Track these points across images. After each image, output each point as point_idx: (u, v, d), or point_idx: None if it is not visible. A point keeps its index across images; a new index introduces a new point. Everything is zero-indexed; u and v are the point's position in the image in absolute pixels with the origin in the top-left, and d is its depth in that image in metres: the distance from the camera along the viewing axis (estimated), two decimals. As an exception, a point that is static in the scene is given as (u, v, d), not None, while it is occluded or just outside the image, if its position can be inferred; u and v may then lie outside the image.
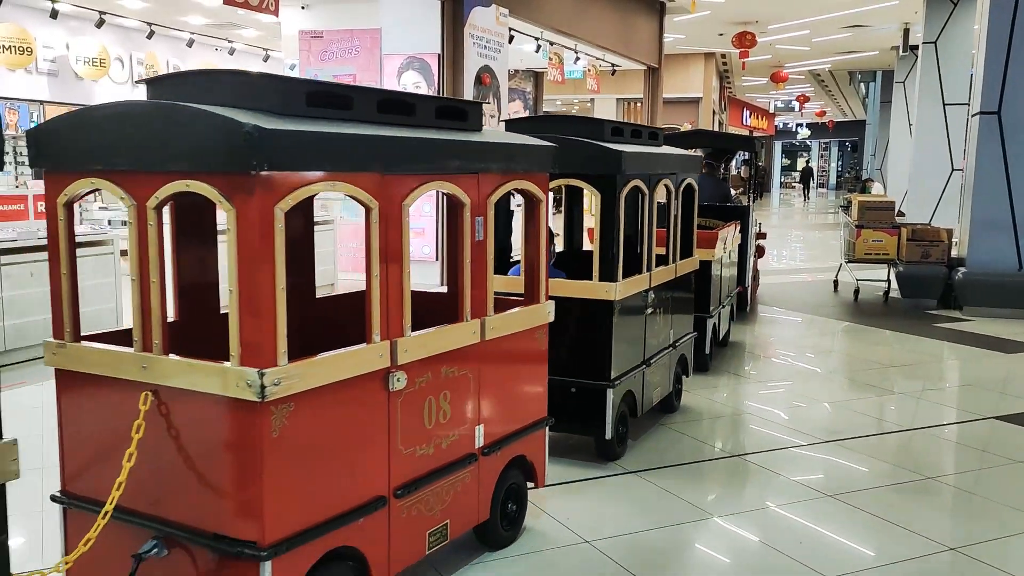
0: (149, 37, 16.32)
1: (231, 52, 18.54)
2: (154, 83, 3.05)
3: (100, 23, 14.75)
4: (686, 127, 22.82)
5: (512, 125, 5.17)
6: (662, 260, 5.36)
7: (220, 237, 3.00)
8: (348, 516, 2.96)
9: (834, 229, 21.65)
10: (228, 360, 2.64)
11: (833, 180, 56.77)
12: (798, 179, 50.82)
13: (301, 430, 2.75)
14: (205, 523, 2.75)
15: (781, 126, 53.56)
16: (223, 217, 2.66)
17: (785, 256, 17.21)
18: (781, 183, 57.02)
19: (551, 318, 4.03)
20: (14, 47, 14.67)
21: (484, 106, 11.20)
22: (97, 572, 2.93)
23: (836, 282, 11.96)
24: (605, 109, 25.23)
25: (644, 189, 4.90)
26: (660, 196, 5.25)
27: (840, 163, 58.35)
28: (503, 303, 3.79)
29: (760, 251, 10.35)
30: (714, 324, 6.74)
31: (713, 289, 6.59)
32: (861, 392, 6.72)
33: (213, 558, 2.75)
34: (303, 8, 11.98)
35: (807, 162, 57.42)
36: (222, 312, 3.52)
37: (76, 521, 3.01)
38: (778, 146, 57.85)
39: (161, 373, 2.78)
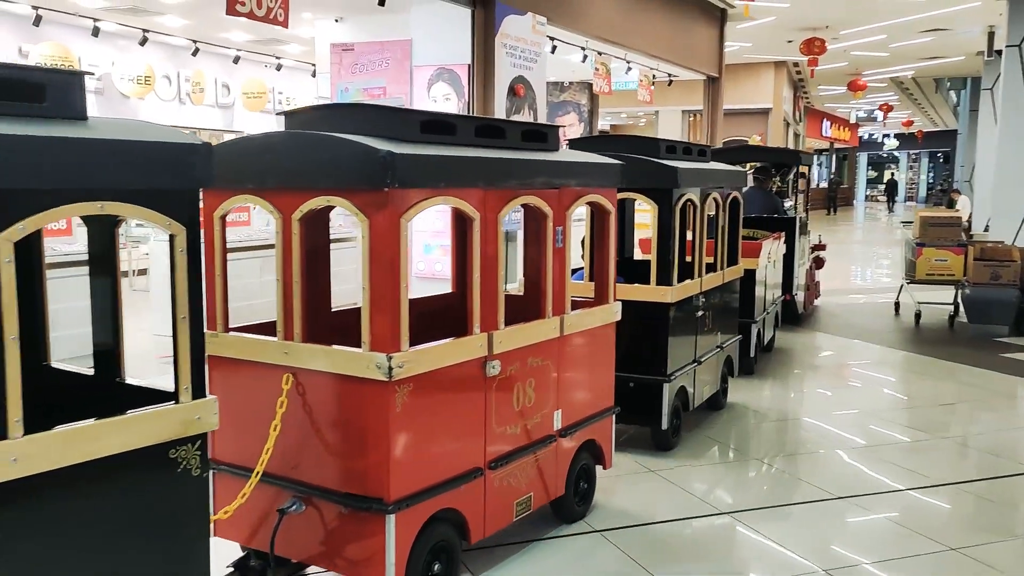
0: (194, 54, 16.40)
1: (278, 68, 18.64)
2: (290, 115, 3.60)
3: (143, 41, 14.80)
4: (755, 140, 21.98)
5: (574, 144, 5.67)
6: (710, 268, 5.82)
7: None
8: (452, 482, 3.47)
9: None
10: (344, 346, 3.16)
11: (923, 193, 53.79)
12: (883, 192, 49.08)
13: (417, 406, 3.27)
14: (338, 484, 3.27)
15: (866, 137, 51.44)
16: (334, 227, 3.19)
17: (848, 274, 16.09)
18: (866, 196, 54.56)
19: (618, 317, 4.52)
20: (56, 66, 15.10)
21: (519, 118, 11.00)
22: (246, 524, 3.45)
23: (897, 304, 10.96)
24: (670, 121, 24.01)
25: (696, 201, 5.39)
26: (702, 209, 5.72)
27: (931, 175, 55.48)
28: (574, 303, 4.28)
29: (819, 262, 10.48)
30: (758, 330, 7.17)
31: (757, 296, 7.02)
32: (907, 432, 6.03)
33: (344, 513, 3.27)
34: (336, 21, 11.79)
35: (892, 174, 55.26)
36: (333, 310, 4.08)
37: (223, 483, 3.53)
38: (863, 158, 55.74)
39: (301, 358, 3.31)
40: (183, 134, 2.43)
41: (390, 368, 3.11)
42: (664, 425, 5.24)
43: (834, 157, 48.21)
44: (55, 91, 2.24)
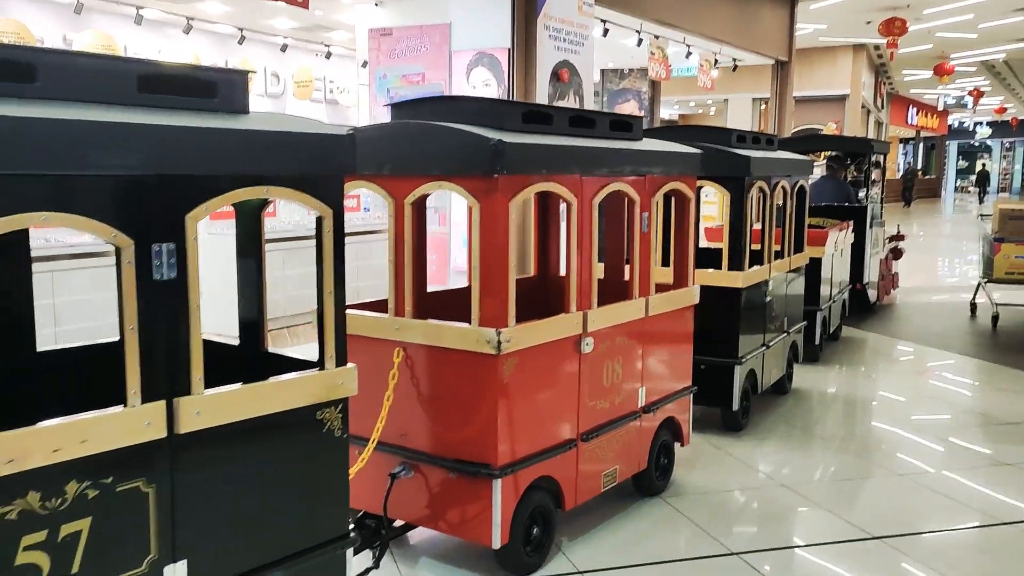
0: (240, 43, 16.13)
1: (328, 56, 18.22)
2: (397, 107, 3.84)
3: (188, 29, 14.69)
4: (830, 128, 20.94)
5: (648, 134, 5.85)
6: (778, 255, 5.97)
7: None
8: (550, 452, 3.69)
9: None
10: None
11: (1017, 183, 51.64)
12: (974, 182, 46.72)
13: (521, 379, 3.49)
14: (446, 450, 3.50)
15: (956, 125, 48.59)
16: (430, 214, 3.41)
17: (926, 270, 14.84)
18: (956, 187, 52.14)
19: (696, 300, 4.70)
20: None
21: (564, 104, 10.59)
22: (361, 488, 3.69)
23: (974, 305, 10.08)
24: (740, 110, 22.62)
25: (766, 189, 5.55)
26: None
27: None
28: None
29: (896, 253, 10.42)
30: (824, 317, 7.30)
31: (823, 284, 7.14)
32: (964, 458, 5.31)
33: (452, 478, 3.50)
34: (376, 5, 11.26)
35: (984, 164, 51.29)
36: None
37: (335, 452, 3.78)
38: (953, 147, 52.75)
39: (412, 333, 3.54)
40: (330, 125, 2.66)
41: (499, 343, 3.33)
42: (735, 406, 5.41)
43: (921, 146, 45.61)
44: (224, 88, 2.48)
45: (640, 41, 13.45)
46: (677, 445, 4.76)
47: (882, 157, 9.91)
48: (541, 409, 3.64)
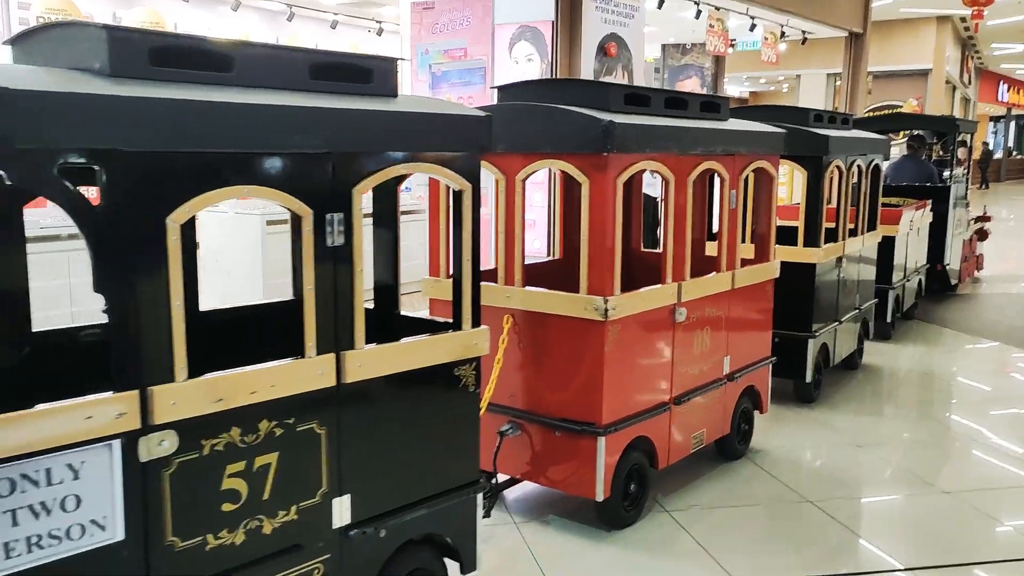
0: (290, 19, 15.79)
1: (379, 33, 17.69)
2: (503, 88, 4.09)
3: (236, 6, 14.47)
4: (911, 105, 19.78)
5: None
6: (851, 233, 6.13)
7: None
8: (646, 413, 3.94)
9: None
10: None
11: None
12: None
13: (623, 345, 3.74)
14: (553, 410, 3.77)
15: None
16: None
17: (1012, 257, 13.56)
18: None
19: (777, 274, 4.91)
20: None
21: (609, 80, 10.15)
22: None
23: None
24: (813, 86, 21.27)
25: (842, 168, 5.71)
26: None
27: None
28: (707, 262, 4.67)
29: (982, 235, 10.39)
30: (896, 296, 7.40)
31: (896, 263, 7.24)
32: None
33: (558, 436, 3.77)
34: None
35: None
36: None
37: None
38: None
39: (521, 300, 3.81)
40: (470, 107, 2.92)
41: (606, 310, 3.58)
42: (808, 378, 5.61)
43: (1012, 124, 42.39)
44: (378, 74, 2.75)
45: (699, 13, 12.78)
46: (756, 413, 4.98)
47: (969, 136, 9.81)
48: (639, 373, 3.89)
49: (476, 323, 3.00)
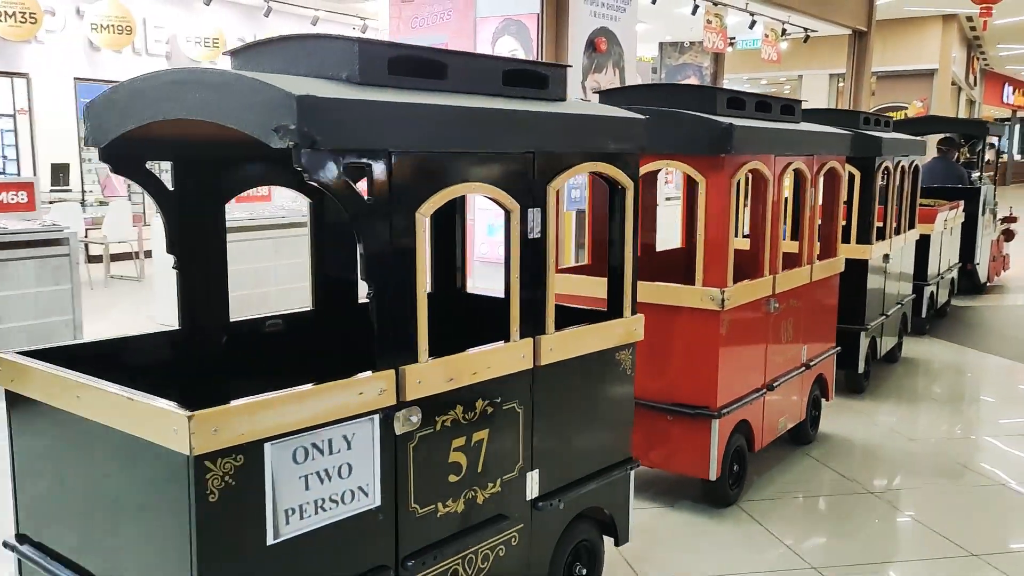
0: (267, 15, 15.10)
1: (364, 31, 16.58)
2: (606, 93, 4.32)
3: (208, 0, 13.80)
4: (916, 106, 19.54)
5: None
6: (896, 231, 6.45)
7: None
8: (747, 398, 4.19)
9: None
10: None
11: None
12: None
13: (732, 333, 3.99)
14: (666, 396, 4.00)
15: None
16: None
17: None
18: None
19: (842, 268, 5.19)
20: (113, 26, 13.33)
21: (601, 77, 9.60)
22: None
23: None
24: (816, 87, 20.74)
25: (890, 168, 6.02)
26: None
27: None
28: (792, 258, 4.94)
29: (1008, 235, 10.73)
30: (931, 292, 7.71)
31: (931, 261, 7.56)
32: None
33: (670, 420, 4.00)
34: None
35: None
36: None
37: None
38: None
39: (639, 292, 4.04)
40: (627, 111, 3.15)
41: (722, 300, 3.83)
42: (860, 369, 5.91)
43: (1017, 127, 41.59)
44: (553, 80, 2.96)
45: (696, 8, 12.33)
46: (823, 400, 5.26)
47: (997, 139, 10.16)
48: (743, 360, 4.14)
49: (633, 311, 3.23)
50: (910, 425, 5.58)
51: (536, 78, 2.91)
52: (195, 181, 2.84)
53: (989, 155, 10.07)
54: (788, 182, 5.36)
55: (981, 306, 9.59)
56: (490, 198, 2.61)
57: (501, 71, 2.79)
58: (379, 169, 2.25)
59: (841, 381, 6.10)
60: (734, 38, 14.90)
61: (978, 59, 26.86)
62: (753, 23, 13.60)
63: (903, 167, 6.36)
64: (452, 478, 2.55)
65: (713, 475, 3.96)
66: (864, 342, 5.87)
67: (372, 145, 2.22)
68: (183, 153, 2.78)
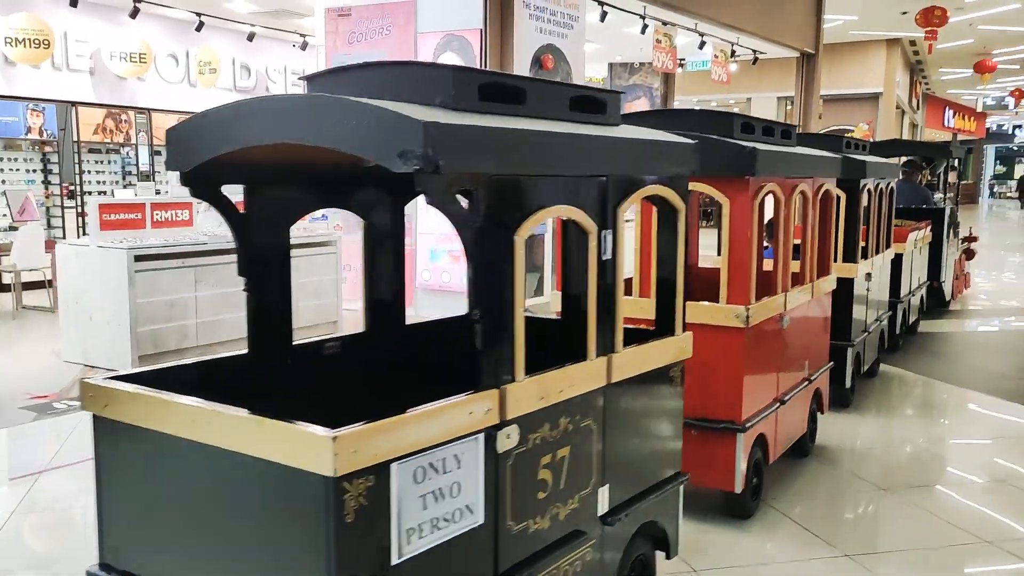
0: (198, 29, 14.32)
1: (303, 47, 16.22)
2: (639, 115, 4.43)
3: (134, 13, 12.96)
4: (862, 129, 19.93)
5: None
6: (876, 251, 6.70)
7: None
8: (765, 411, 4.32)
9: None
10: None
11: None
12: (1015, 188, 45.05)
13: (753, 349, 4.12)
14: (693, 411, 4.08)
15: (994, 128, 46.07)
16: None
17: (984, 290, 12.77)
18: (992, 193, 48.88)
19: (835, 286, 5.40)
20: (30, 40, 12.49)
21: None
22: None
23: None
24: (763, 110, 20.93)
25: (871, 190, 6.28)
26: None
27: None
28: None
29: (969, 254, 11.12)
30: (904, 310, 7.98)
31: (903, 279, 7.85)
32: None
33: (695, 435, 4.10)
34: None
35: None
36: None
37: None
38: (991, 151, 49.84)
39: (659, 311, 4.14)
40: (676, 135, 3.26)
41: (747, 317, 3.96)
42: (847, 384, 6.12)
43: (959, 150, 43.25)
44: (610, 105, 3.06)
45: (644, 28, 12.14)
46: (819, 413, 5.44)
47: (957, 161, 10.65)
48: (760, 375, 4.28)
49: (683, 329, 3.32)
50: (887, 432, 5.81)
51: (596, 103, 3.00)
52: (263, 204, 2.84)
53: (951, 177, 10.48)
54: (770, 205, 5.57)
55: (947, 328, 9.68)
56: (573, 220, 2.68)
57: (568, 97, 2.86)
58: (485, 192, 2.31)
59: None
60: (683, 59, 14.96)
61: (920, 83, 27.67)
62: (702, 44, 13.67)
63: (881, 189, 6.63)
64: (540, 495, 2.60)
65: (739, 488, 4.07)
66: (851, 357, 6.08)
67: (481, 169, 2.27)
68: (254, 176, 2.79)
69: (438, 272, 8.79)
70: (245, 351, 2.88)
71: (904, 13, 16.60)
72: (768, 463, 4.49)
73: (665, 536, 3.32)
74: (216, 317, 7.64)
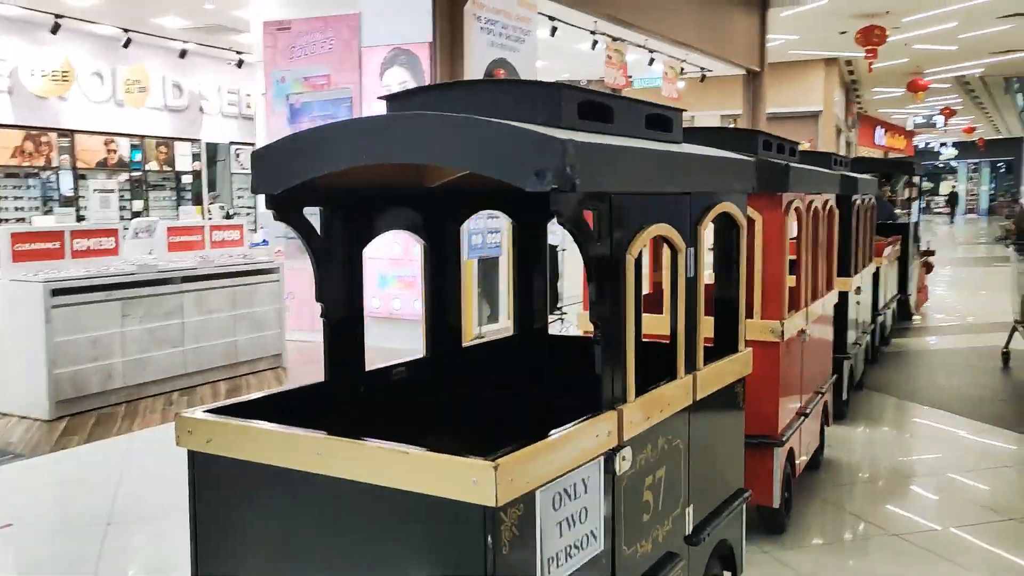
0: (126, 46, 13.66)
1: (239, 64, 15.65)
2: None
3: (55, 28, 12.38)
4: (804, 146, 21.69)
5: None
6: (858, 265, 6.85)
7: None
8: (792, 425, 4.36)
9: (987, 264, 18.85)
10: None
11: (984, 204, 49.84)
12: (944, 203, 46.71)
13: (786, 363, 4.16)
14: (728, 427, 4.12)
15: (922, 146, 46.98)
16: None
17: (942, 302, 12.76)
18: (921, 208, 50.49)
19: (836, 299, 5.50)
20: None
21: None
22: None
23: (1006, 355, 8.20)
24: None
25: (860, 205, 6.43)
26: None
27: (993, 186, 51.25)
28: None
29: (928, 267, 11.39)
30: (881, 322, 8.16)
31: (881, 291, 8.04)
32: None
33: (733, 451, 4.11)
34: None
35: (953, 187, 50.07)
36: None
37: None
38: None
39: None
40: (732, 153, 3.28)
41: (782, 332, 4.00)
42: (844, 396, 6.23)
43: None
44: (676, 123, 3.06)
45: (595, 43, 12.14)
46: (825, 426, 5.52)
47: (917, 177, 11.01)
48: (789, 388, 4.32)
49: (744, 347, 3.33)
50: (875, 439, 5.94)
51: (666, 121, 2.99)
52: (340, 227, 2.76)
53: (909, 192, 10.85)
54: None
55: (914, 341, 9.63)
56: (665, 238, 2.66)
57: (645, 114, 2.85)
58: (604, 211, 2.28)
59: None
60: (632, 76, 14.92)
61: (854, 102, 28.26)
62: (652, 60, 13.75)
63: (866, 204, 6.79)
64: (645, 517, 2.56)
65: (777, 502, 4.09)
66: (847, 371, 6.19)
67: (606, 187, 2.24)
68: (330, 200, 2.70)
69: (388, 299, 8.52)
70: (317, 381, 2.78)
71: (843, 33, 17.00)
72: (795, 477, 4.52)
73: (732, 554, 3.30)
74: (144, 354, 7.07)
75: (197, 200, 17.03)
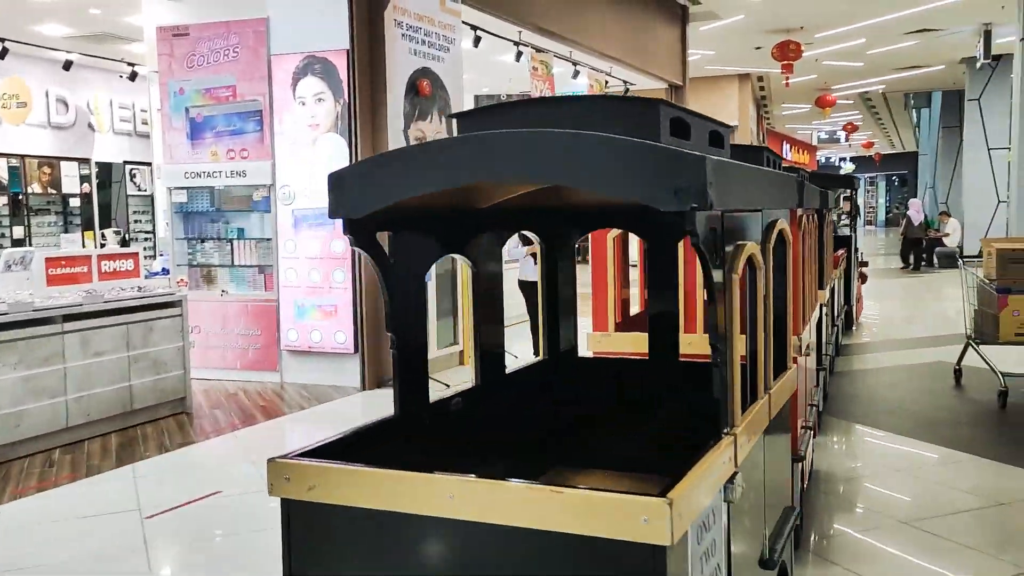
0: (2, 57, 11.94)
1: (132, 77, 14.00)
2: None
3: None
4: None
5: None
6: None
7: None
8: (804, 438, 4.39)
9: (897, 277, 19.10)
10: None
11: (881, 216, 53.39)
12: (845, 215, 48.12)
13: (801, 377, 4.18)
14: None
15: (823, 160, 48.21)
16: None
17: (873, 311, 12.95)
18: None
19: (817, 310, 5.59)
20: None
21: (426, 126, 8.57)
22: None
23: (958, 372, 7.93)
24: None
25: (828, 218, 6.59)
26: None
27: (888, 198, 54.54)
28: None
29: (863, 278, 11.69)
30: (838, 329, 8.36)
31: (836, 303, 8.24)
32: None
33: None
34: None
35: (847, 199, 52.09)
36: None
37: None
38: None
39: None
40: (778, 171, 3.27)
41: (800, 347, 4.01)
42: (820, 408, 6.33)
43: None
44: (725, 139, 3.03)
45: (519, 54, 11.73)
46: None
47: (853, 192, 11.42)
48: (804, 403, 4.34)
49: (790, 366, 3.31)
50: (851, 432, 6.05)
51: (720, 137, 2.96)
52: (405, 252, 2.61)
53: (850, 206, 11.26)
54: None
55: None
56: (751, 256, 2.61)
57: (708, 130, 2.81)
58: (720, 230, 2.21)
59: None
60: (557, 89, 15.07)
61: (764, 118, 29.28)
62: (576, 72, 13.56)
63: (832, 218, 6.97)
64: (743, 546, 2.49)
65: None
66: (822, 378, 6.31)
67: (729, 205, 2.18)
68: (398, 222, 2.56)
69: (306, 331, 7.91)
70: (385, 417, 2.62)
71: (758, 48, 17.22)
72: (804, 492, 4.55)
73: (786, 569, 3.27)
74: (17, 408, 6.00)
75: (88, 226, 16.07)
